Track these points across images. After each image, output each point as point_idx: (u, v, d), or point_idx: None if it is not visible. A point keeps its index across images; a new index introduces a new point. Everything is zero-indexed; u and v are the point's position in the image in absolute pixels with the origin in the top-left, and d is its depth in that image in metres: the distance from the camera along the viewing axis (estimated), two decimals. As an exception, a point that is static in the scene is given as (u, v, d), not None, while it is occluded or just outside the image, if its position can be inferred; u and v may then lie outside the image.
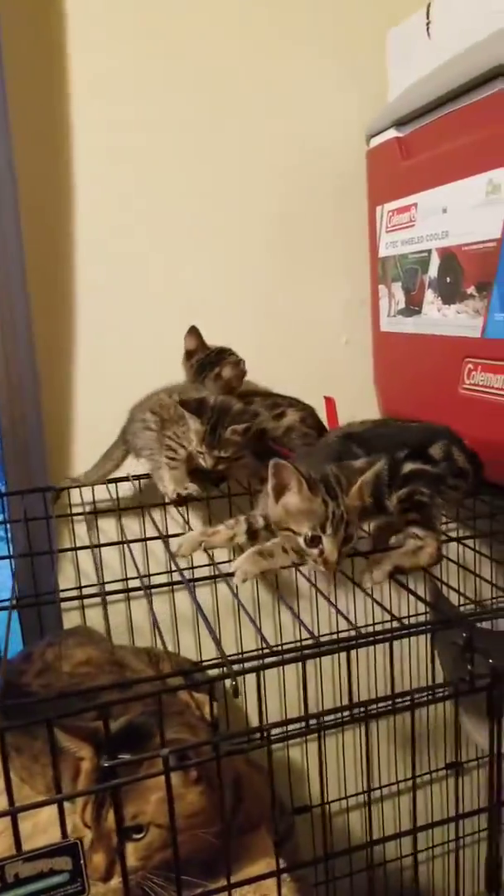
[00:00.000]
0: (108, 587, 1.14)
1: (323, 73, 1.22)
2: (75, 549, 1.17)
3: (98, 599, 1.19)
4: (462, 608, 1.33)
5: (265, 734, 0.59)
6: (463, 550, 0.99)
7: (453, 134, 0.92)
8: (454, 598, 1.29)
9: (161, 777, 0.70)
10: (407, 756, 1.41)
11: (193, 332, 1.11)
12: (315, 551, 0.73)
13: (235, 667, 0.58)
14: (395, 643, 0.61)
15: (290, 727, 0.62)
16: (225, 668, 0.58)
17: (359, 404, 1.24)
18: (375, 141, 1.13)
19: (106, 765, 0.58)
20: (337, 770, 1.39)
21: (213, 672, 0.60)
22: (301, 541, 0.74)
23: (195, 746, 0.64)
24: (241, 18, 1.17)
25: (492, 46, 0.83)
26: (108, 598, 1.18)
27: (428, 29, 1.03)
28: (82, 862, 0.57)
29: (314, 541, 0.73)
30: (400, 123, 1.05)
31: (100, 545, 1.11)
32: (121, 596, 1.20)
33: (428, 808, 1.44)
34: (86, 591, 1.16)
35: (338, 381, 1.27)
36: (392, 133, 1.07)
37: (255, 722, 1.30)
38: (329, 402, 1.13)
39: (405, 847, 1.39)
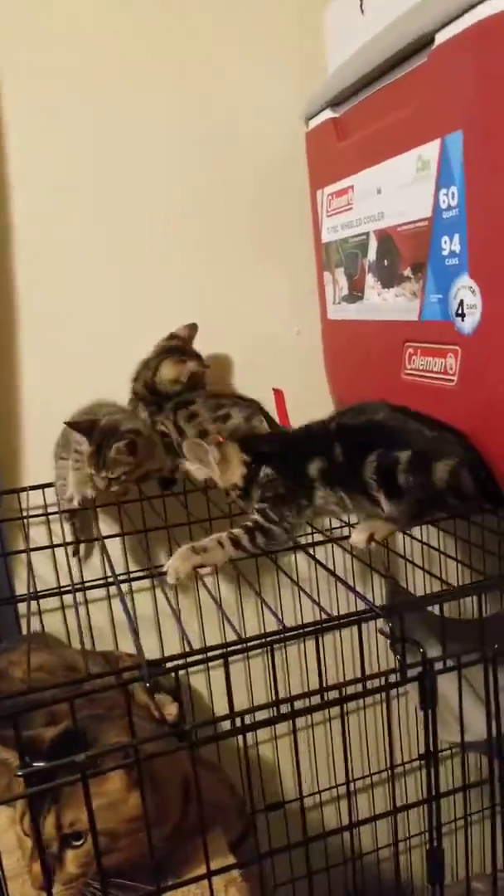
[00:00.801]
0: (65, 590, 1.13)
1: (261, 54, 1.19)
2: (28, 550, 1.14)
3: (57, 604, 1.17)
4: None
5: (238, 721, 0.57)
6: (428, 529, 0.97)
7: (384, 111, 0.90)
8: (420, 577, 1.29)
9: (103, 782, 0.69)
10: (379, 748, 1.40)
11: (192, 327, 1.13)
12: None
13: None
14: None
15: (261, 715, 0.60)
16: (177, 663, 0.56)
17: (314, 395, 1.22)
18: (313, 123, 1.10)
19: (18, 774, 0.56)
20: (310, 763, 1.37)
21: (129, 674, 0.58)
22: None
23: (113, 750, 0.61)
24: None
25: (417, 16, 0.80)
26: (66, 600, 1.16)
27: (361, 4, 1.01)
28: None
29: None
30: (334, 104, 1.03)
31: (57, 545, 1.08)
32: (79, 598, 1.18)
33: (402, 799, 1.43)
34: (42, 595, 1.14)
35: (292, 372, 1.25)
36: (328, 114, 1.04)
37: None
38: (278, 394, 1.11)
39: (381, 839, 1.39)
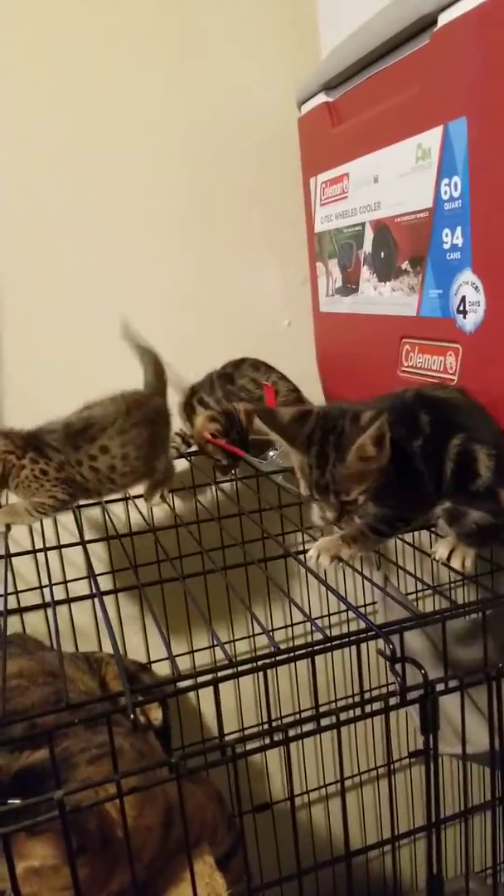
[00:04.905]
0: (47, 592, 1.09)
1: (252, 36, 1.14)
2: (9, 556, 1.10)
3: (38, 604, 1.13)
4: (416, 594, 1.31)
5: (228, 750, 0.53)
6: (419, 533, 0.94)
7: (382, 96, 0.85)
8: (410, 582, 1.27)
9: (33, 843, 0.59)
10: (369, 749, 1.38)
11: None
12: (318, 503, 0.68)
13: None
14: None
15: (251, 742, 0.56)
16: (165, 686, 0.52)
17: (305, 389, 1.18)
18: (306, 107, 1.06)
19: None
20: (299, 764, 1.35)
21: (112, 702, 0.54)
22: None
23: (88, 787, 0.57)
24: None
25: (417, -4, 0.76)
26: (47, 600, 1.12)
27: (356, -17, 0.96)
28: None
29: (313, 499, 0.68)
30: (329, 87, 0.98)
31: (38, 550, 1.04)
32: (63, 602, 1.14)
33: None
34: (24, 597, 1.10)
35: (282, 365, 1.21)
36: (321, 98, 1.00)
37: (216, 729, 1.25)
38: (268, 389, 1.07)
39: (371, 840, 1.37)
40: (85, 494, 0.88)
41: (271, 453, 1.07)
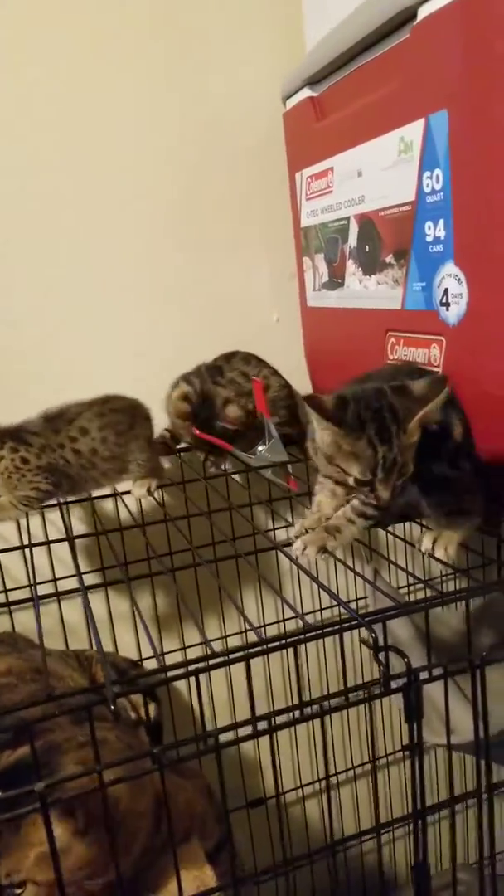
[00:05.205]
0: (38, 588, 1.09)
1: (238, 30, 1.14)
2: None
3: (29, 603, 1.13)
4: (408, 588, 1.31)
5: (211, 740, 0.54)
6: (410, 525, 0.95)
7: (364, 90, 0.85)
8: (403, 577, 1.27)
9: (41, 831, 0.63)
10: (362, 742, 1.39)
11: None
12: (366, 489, 0.68)
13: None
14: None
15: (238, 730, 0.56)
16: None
17: (294, 384, 1.19)
18: (291, 102, 1.06)
19: None
20: (292, 758, 1.36)
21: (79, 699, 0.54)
22: (351, 481, 0.69)
23: (71, 778, 0.57)
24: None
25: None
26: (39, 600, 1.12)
27: (340, -22, 0.96)
28: None
29: (365, 483, 0.68)
30: (313, 82, 0.98)
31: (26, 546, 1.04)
32: (52, 597, 1.14)
33: (386, 793, 1.43)
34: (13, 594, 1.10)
35: (271, 360, 1.21)
36: (306, 93, 1.00)
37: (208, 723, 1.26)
38: (257, 384, 1.08)
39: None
40: (69, 483, 0.88)
41: (260, 448, 1.07)
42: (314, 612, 1.30)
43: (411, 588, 1.32)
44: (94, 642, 1.15)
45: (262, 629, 1.25)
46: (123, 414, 0.91)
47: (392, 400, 0.68)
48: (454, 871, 0.68)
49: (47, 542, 1.04)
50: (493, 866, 0.66)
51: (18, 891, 0.61)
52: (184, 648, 1.25)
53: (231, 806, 1.17)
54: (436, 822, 1.37)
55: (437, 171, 0.73)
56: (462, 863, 1.34)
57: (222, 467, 1.10)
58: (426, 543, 0.75)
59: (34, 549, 0.97)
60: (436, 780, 1.38)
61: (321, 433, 0.70)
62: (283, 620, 1.29)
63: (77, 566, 0.78)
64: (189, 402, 1.03)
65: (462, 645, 1.01)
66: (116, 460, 0.90)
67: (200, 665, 0.53)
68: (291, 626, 1.32)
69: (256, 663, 1.23)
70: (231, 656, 0.54)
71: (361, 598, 1.26)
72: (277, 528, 1.24)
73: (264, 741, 1.29)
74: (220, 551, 1.06)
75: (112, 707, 0.50)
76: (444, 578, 1.34)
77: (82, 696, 0.60)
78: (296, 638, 0.56)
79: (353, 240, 0.92)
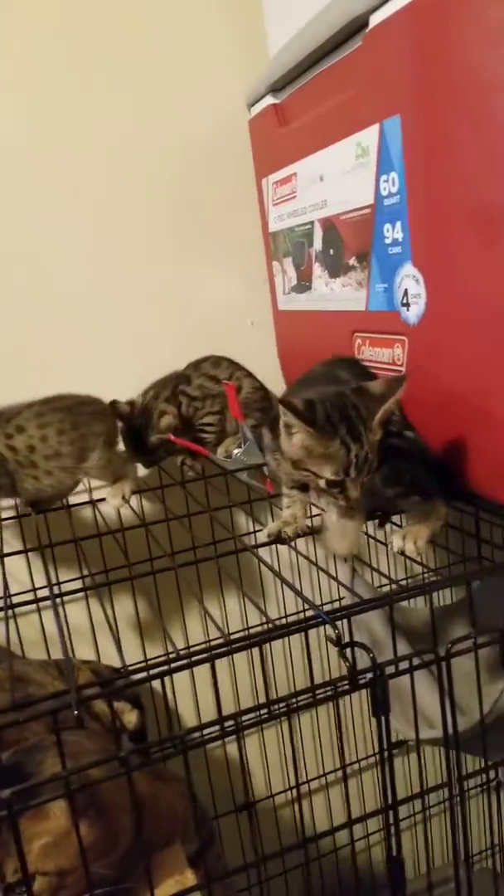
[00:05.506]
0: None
1: (202, 39, 1.15)
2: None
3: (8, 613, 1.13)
4: (390, 586, 1.32)
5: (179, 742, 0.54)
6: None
7: (323, 97, 0.87)
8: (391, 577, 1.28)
9: (45, 819, 0.65)
10: (351, 740, 1.39)
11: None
12: (336, 490, 0.70)
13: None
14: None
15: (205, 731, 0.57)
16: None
17: (270, 385, 1.20)
18: (255, 109, 1.07)
19: None
20: (280, 762, 1.36)
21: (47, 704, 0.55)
22: (322, 483, 0.70)
23: (46, 782, 0.58)
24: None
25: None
26: (18, 609, 1.13)
27: (299, -13, 0.98)
28: None
29: (336, 484, 0.69)
30: (275, 89, 1.00)
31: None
32: (31, 607, 1.14)
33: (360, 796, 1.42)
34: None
35: (248, 363, 1.22)
36: (269, 100, 1.01)
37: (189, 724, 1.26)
38: (230, 388, 1.09)
39: (340, 839, 1.38)
40: (8, 481, 0.90)
41: (235, 451, 1.08)
42: (297, 612, 1.31)
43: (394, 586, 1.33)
44: (82, 653, 1.16)
45: (246, 631, 1.26)
46: (66, 412, 0.92)
47: (354, 400, 0.69)
48: (429, 865, 0.68)
49: (24, 551, 1.04)
50: (468, 858, 0.67)
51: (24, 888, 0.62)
52: (167, 654, 1.25)
53: (220, 810, 1.18)
54: (426, 819, 1.38)
55: (393, 175, 0.74)
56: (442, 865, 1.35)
57: (199, 472, 1.11)
58: (396, 542, 0.76)
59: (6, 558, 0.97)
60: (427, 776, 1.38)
61: (293, 437, 0.71)
62: (268, 623, 1.30)
63: (48, 575, 0.79)
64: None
65: (442, 640, 1.03)
66: (63, 457, 0.91)
67: (163, 668, 0.54)
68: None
69: (238, 662, 1.24)
70: (193, 658, 0.55)
71: (345, 599, 1.27)
72: (258, 531, 1.25)
73: (251, 741, 1.31)
74: (200, 555, 1.07)
75: (76, 712, 0.50)
76: (425, 577, 1.35)
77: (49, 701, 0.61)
78: (259, 638, 0.57)
79: (318, 243, 0.94)
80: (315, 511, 0.86)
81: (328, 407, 0.69)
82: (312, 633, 0.62)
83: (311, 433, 0.68)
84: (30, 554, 1.08)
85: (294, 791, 1.37)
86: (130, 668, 1.17)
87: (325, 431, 0.68)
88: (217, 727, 0.55)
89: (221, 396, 1.09)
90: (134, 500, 1.12)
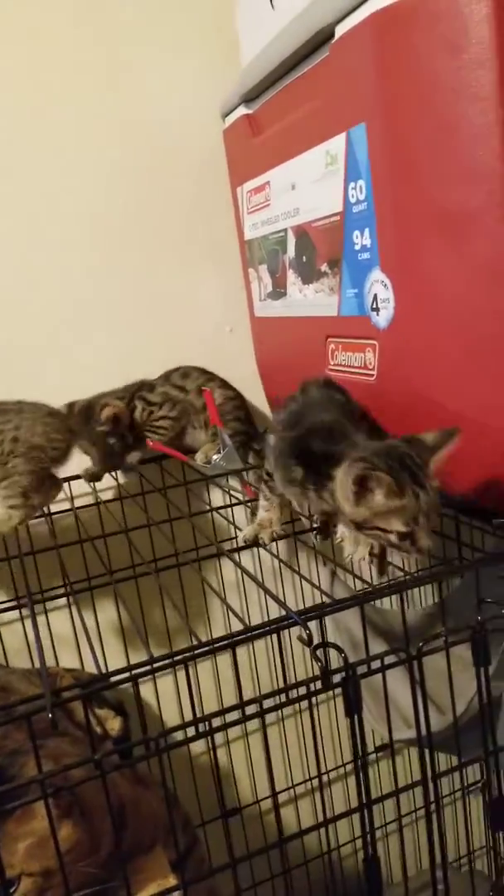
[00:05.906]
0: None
1: (177, 50, 1.17)
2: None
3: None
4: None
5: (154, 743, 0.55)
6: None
7: (293, 106, 0.88)
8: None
9: (30, 820, 0.66)
10: (335, 745, 1.39)
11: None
12: (406, 542, 0.66)
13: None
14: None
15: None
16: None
17: (249, 394, 1.21)
18: (229, 119, 1.09)
19: None
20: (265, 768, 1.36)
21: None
22: (392, 537, 0.66)
23: (24, 784, 0.58)
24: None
25: (318, 9, 0.79)
26: (0, 618, 1.13)
27: (271, -1, 0.99)
28: None
29: (407, 536, 0.66)
30: (248, 100, 1.01)
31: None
32: (14, 615, 1.15)
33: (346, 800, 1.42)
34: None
35: (226, 371, 1.23)
36: (242, 110, 1.03)
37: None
38: (207, 394, 1.09)
39: (344, 838, 1.38)
40: None
41: (215, 457, 1.09)
42: (281, 617, 1.31)
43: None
44: (66, 661, 1.16)
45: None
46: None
47: (407, 449, 0.67)
48: (404, 866, 0.69)
49: (7, 559, 1.05)
50: (445, 859, 0.67)
51: (11, 889, 0.63)
52: (151, 660, 1.25)
53: (206, 816, 1.18)
54: (413, 822, 1.38)
55: (360, 182, 0.75)
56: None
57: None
58: (347, 548, 0.76)
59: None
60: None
61: (371, 500, 0.66)
62: (247, 626, 1.30)
63: (27, 584, 0.79)
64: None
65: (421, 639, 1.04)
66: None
67: (137, 671, 0.54)
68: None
69: (221, 667, 1.24)
70: (165, 662, 0.55)
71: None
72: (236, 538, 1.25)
73: (236, 747, 1.31)
74: (181, 560, 1.08)
75: (49, 715, 0.51)
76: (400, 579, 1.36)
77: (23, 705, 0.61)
78: (231, 640, 0.57)
79: (291, 251, 0.95)
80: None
81: (387, 460, 0.66)
82: (291, 635, 0.63)
83: (396, 494, 0.64)
84: (12, 562, 1.09)
85: (276, 795, 1.37)
86: (111, 673, 1.20)
87: (402, 487, 0.65)
88: (192, 728, 0.55)
89: (184, 404, 1.10)
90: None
